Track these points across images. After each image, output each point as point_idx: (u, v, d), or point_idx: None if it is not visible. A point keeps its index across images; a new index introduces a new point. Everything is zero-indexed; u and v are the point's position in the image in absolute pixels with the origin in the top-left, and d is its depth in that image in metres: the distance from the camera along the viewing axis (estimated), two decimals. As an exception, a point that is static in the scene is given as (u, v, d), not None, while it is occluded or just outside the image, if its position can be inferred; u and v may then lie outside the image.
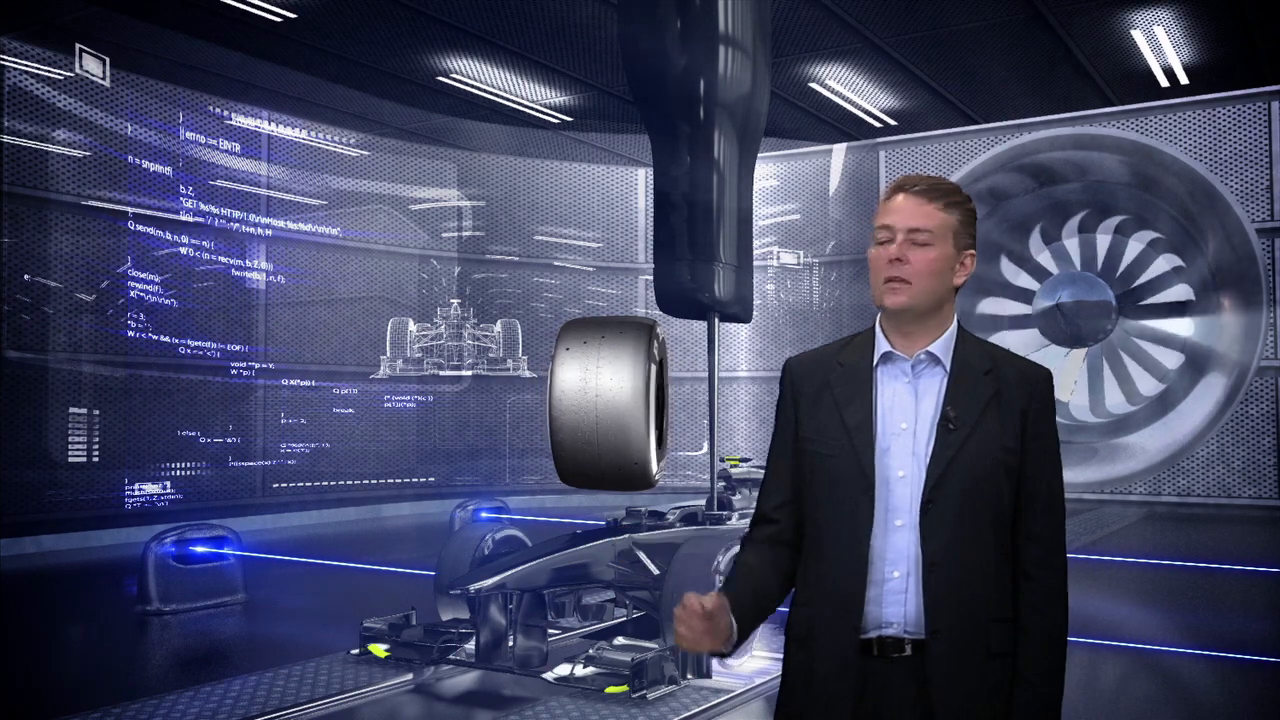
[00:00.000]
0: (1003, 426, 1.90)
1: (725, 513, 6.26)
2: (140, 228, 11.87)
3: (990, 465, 1.88)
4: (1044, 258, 15.04)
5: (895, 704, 1.87)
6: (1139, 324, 14.45)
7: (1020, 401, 1.93)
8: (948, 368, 1.94)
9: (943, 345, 1.95)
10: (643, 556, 5.70)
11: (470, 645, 5.47)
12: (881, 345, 1.96)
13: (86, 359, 11.39)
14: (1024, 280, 15.14)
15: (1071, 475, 13.87)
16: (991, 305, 15.23)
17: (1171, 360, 14.23)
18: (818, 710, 1.89)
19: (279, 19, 10.21)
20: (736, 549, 2.16)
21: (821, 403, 1.97)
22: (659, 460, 5.29)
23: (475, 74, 11.99)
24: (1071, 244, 14.87)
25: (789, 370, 2.05)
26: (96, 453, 11.48)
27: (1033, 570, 1.92)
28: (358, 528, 13.29)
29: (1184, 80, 12.54)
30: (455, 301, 15.18)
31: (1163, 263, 14.26)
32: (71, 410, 11.27)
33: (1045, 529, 1.93)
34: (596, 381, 4.95)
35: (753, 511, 2.10)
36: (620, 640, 5.31)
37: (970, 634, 1.87)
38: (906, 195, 1.93)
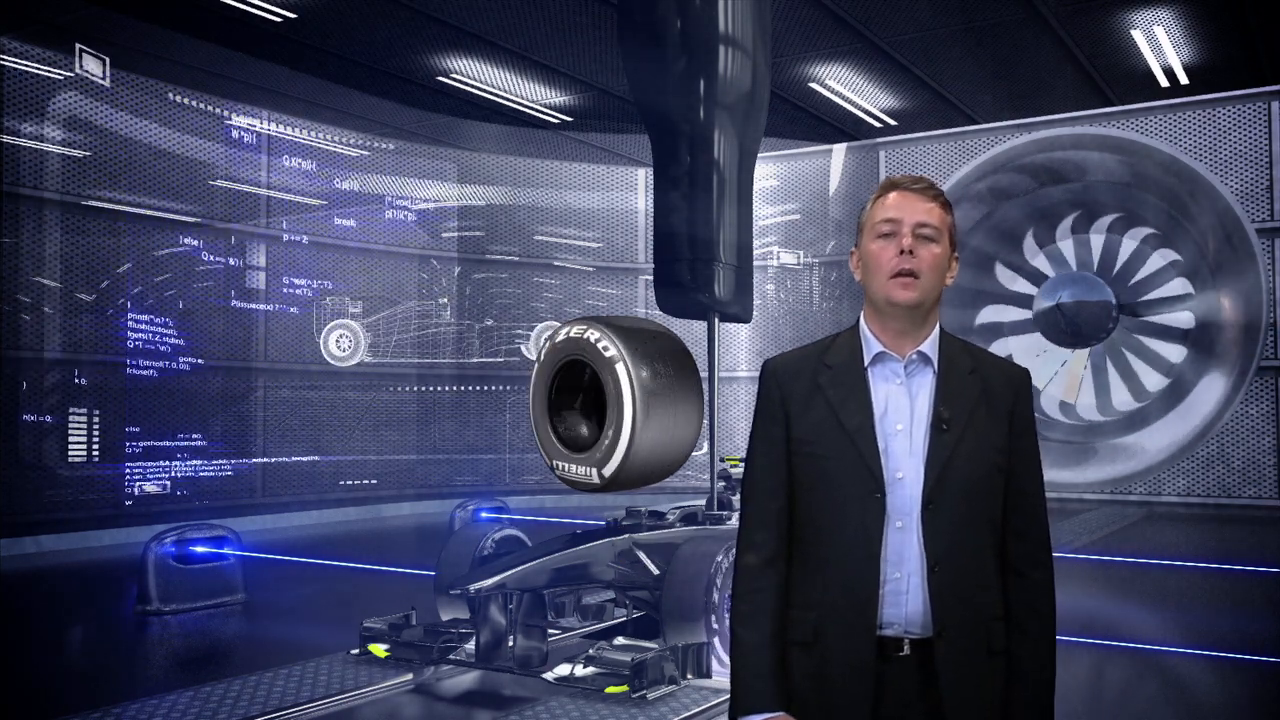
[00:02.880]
0: (992, 424, 1.92)
1: (725, 513, 6.26)
2: (140, 228, 11.87)
3: (984, 465, 1.90)
4: (1039, 261, 15.05)
5: (896, 703, 1.88)
6: (1135, 337, 14.46)
7: (1007, 402, 1.95)
8: (936, 367, 1.94)
9: (931, 345, 1.95)
10: (643, 556, 5.70)
11: (470, 645, 5.46)
12: (872, 346, 1.96)
13: (86, 359, 11.39)
14: (1021, 285, 15.15)
15: (1072, 475, 13.90)
16: (992, 314, 15.23)
17: (1153, 382, 14.25)
18: (833, 714, 1.89)
19: (279, 19, 10.21)
20: (734, 552, 2.09)
21: (813, 404, 1.95)
22: None
23: (475, 74, 12.00)
24: (1066, 245, 14.87)
25: (773, 371, 2.02)
26: (96, 453, 11.49)
27: (1024, 567, 1.95)
28: (358, 528, 13.29)
29: (1184, 80, 12.54)
30: (445, 300, 15.18)
31: (1158, 259, 14.25)
32: (71, 410, 11.27)
33: (1033, 526, 1.96)
34: (671, 380, 5.01)
35: (743, 512, 2.05)
36: (620, 640, 5.31)
37: (974, 632, 1.89)
38: (905, 193, 1.93)
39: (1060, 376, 14.80)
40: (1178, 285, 14.15)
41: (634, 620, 6.04)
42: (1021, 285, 15.16)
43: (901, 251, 1.89)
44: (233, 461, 12.78)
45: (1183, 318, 14.12)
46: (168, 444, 12.11)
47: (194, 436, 12.37)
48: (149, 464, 11.89)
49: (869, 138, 15.07)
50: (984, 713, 1.89)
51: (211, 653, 6.60)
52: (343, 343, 13.99)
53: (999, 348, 14.68)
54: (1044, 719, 1.93)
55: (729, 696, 1.98)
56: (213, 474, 12.56)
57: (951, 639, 1.86)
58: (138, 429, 11.81)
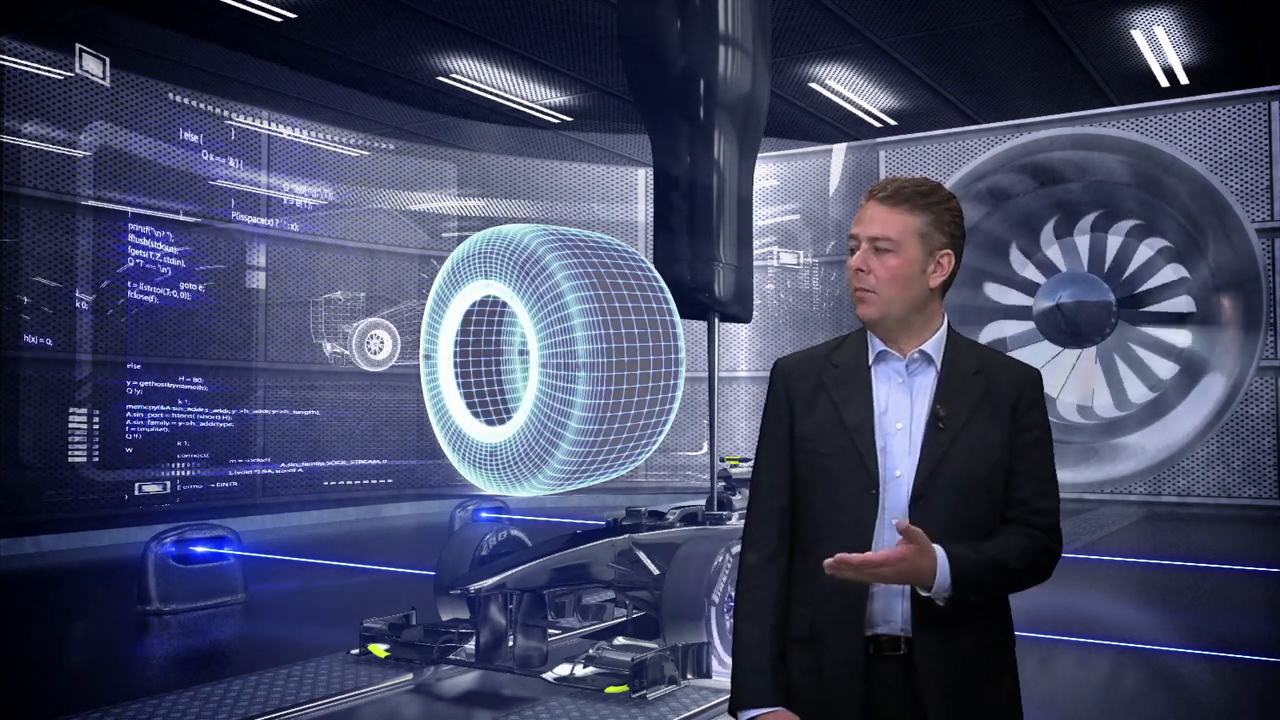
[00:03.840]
0: (993, 425, 1.92)
1: (725, 513, 6.25)
2: (140, 228, 11.87)
3: (980, 463, 1.90)
4: (1053, 252, 15.03)
5: (892, 702, 1.88)
6: (1138, 329, 14.45)
7: (1010, 398, 1.94)
8: (938, 367, 1.95)
9: (934, 345, 1.96)
10: (643, 556, 5.70)
11: (470, 645, 5.47)
12: (876, 345, 1.98)
13: (86, 359, 11.39)
14: (1030, 272, 15.14)
15: (1072, 475, 13.89)
16: (995, 292, 15.23)
17: (1165, 370, 14.23)
18: (830, 711, 1.89)
19: (279, 19, 10.21)
20: (738, 549, 2.10)
21: (818, 403, 1.97)
22: None
23: (475, 74, 11.99)
24: (1082, 241, 14.85)
25: (781, 370, 2.04)
26: (96, 453, 11.49)
27: (1019, 516, 1.91)
28: (358, 528, 13.29)
29: (1184, 80, 12.54)
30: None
31: (1169, 271, 14.23)
32: (71, 410, 11.27)
33: (1032, 493, 1.91)
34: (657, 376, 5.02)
35: (749, 509, 2.07)
36: (620, 640, 5.31)
37: (959, 632, 1.88)
38: (871, 203, 1.95)
39: (1073, 379, 14.79)
40: (1182, 301, 14.14)
41: (634, 620, 6.04)
42: (1030, 273, 15.16)
43: (855, 270, 1.94)
44: (234, 452, 12.80)
45: (1182, 333, 14.12)
46: (167, 444, 12.11)
47: (194, 435, 12.38)
48: (149, 465, 11.89)
49: (869, 138, 15.07)
50: (970, 714, 1.88)
51: (211, 653, 6.60)
52: (372, 344, 13.99)
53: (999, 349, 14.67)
54: (996, 576, 1.85)
55: (730, 693, 1.99)
56: (212, 474, 12.57)
57: (935, 637, 1.86)
58: (138, 429, 11.81)
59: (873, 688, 1.87)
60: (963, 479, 1.88)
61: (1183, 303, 14.11)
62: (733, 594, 2.08)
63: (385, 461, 14.49)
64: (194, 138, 12.44)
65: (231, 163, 12.89)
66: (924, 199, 1.94)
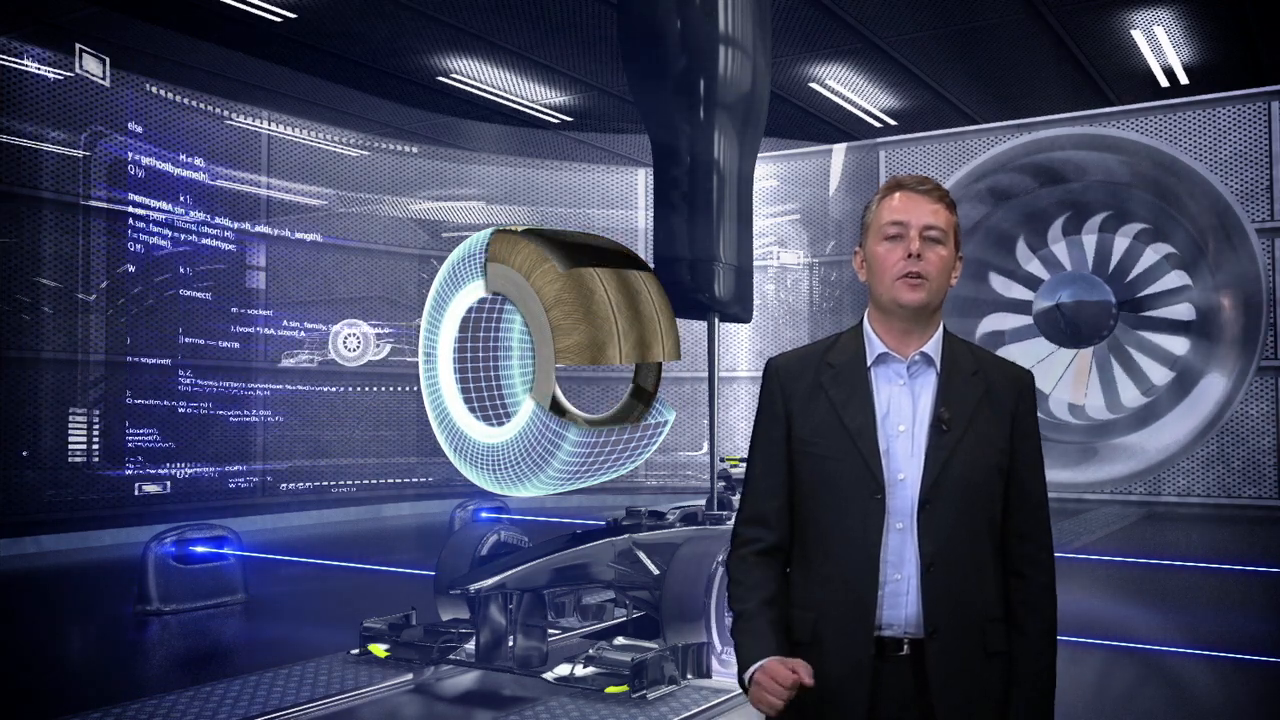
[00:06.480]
0: (994, 427, 1.92)
1: (725, 513, 6.25)
2: (140, 227, 11.86)
3: (984, 466, 1.90)
4: (1059, 248, 15.00)
5: (895, 703, 1.88)
6: (1137, 333, 14.44)
7: (1009, 403, 1.95)
8: (939, 368, 1.94)
9: (934, 346, 1.95)
10: (643, 556, 5.70)
11: (470, 645, 5.47)
12: (876, 346, 1.96)
13: (86, 359, 11.39)
14: (1035, 267, 15.10)
15: (1072, 475, 13.89)
16: (993, 322, 15.18)
17: (1159, 376, 14.21)
18: (831, 714, 1.89)
19: (279, 19, 10.21)
20: (731, 550, 2.09)
21: (816, 403, 1.95)
22: None
23: (475, 74, 12.00)
24: (1089, 240, 14.82)
25: (776, 370, 2.02)
26: (96, 453, 11.48)
27: (1025, 569, 1.95)
28: (358, 528, 13.28)
29: (1184, 80, 12.54)
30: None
31: (1174, 278, 14.20)
32: (71, 410, 11.27)
33: (1035, 527, 1.96)
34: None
35: (740, 510, 2.05)
36: (620, 640, 5.31)
37: (968, 633, 1.88)
38: (911, 194, 1.93)
39: (1067, 378, 14.78)
40: (1174, 276, 14.13)
41: (634, 620, 6.04)
42: (1017, 292, 15.15)
43: (909, 255, 1.89)
44: (234, 463, 12.79)
45: (1182, 309, 14.10)
46: (167, 444, 12.11)
47: (193, 436, 12.37)
48: (149, 464, 11.89)
49: (869, 138, 15.07)
50: (977, 713, 1.89)
51: (211, 653, 6.60)
52: (350, 342, 13.98)
53: (1002, 352, 14.67)
54: (1049, 695, 1.94)
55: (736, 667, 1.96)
56: (212, 474, 12.56)
57: (944, 639, 1.86)
58: (137, 428, 11.81)
59: (876, 689, 1.88)
60: (966, 482, 1.88)
61: (1184, 310, 14.09)
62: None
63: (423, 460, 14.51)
64: (193, 137, 12.43)
65: (231, 163, 12.87)
66: (950, 198, 1.96)
